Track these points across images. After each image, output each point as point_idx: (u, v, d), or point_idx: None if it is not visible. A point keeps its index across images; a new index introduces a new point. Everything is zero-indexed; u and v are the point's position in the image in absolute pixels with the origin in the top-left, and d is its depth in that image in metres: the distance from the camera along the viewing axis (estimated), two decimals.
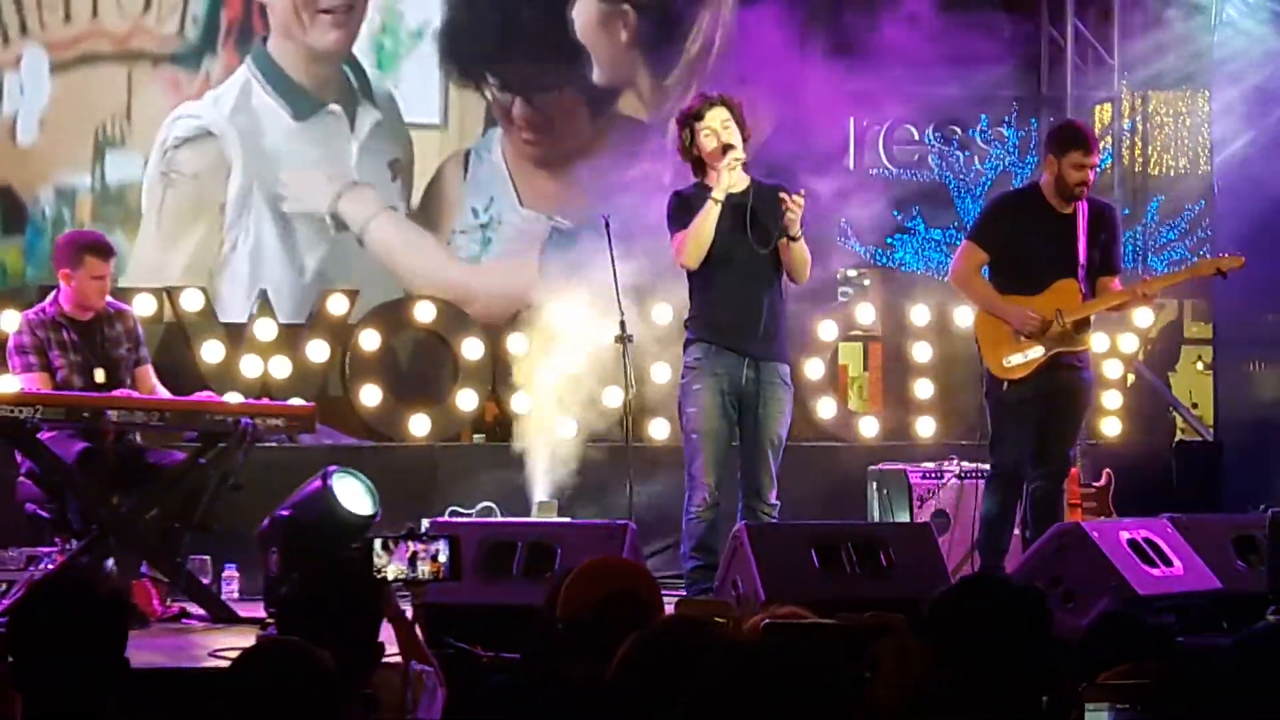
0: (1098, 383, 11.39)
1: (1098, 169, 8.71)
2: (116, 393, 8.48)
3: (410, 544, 5.38)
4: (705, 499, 7.94)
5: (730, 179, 7.97)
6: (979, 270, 8.81)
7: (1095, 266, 8.60)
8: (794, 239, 7.99)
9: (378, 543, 5.35)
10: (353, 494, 8.69)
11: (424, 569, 5.37)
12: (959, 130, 14.76)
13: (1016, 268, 8.67)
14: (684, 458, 8.09)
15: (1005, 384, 8.60)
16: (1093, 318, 8.84)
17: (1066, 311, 8.50)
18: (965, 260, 8.81)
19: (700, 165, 8.17)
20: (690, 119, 8.15)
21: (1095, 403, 11.29)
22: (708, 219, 7.95)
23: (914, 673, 3.93)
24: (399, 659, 5.22)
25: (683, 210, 8.06)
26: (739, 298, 8.05)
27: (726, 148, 8.02)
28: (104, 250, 8.70)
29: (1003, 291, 8.69)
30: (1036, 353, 8.53)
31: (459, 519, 9.41)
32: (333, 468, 8.76)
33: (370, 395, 10.57)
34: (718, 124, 8.08)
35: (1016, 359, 8.56)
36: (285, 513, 8.56)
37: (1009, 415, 8.62)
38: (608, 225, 8.96)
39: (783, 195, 7.95)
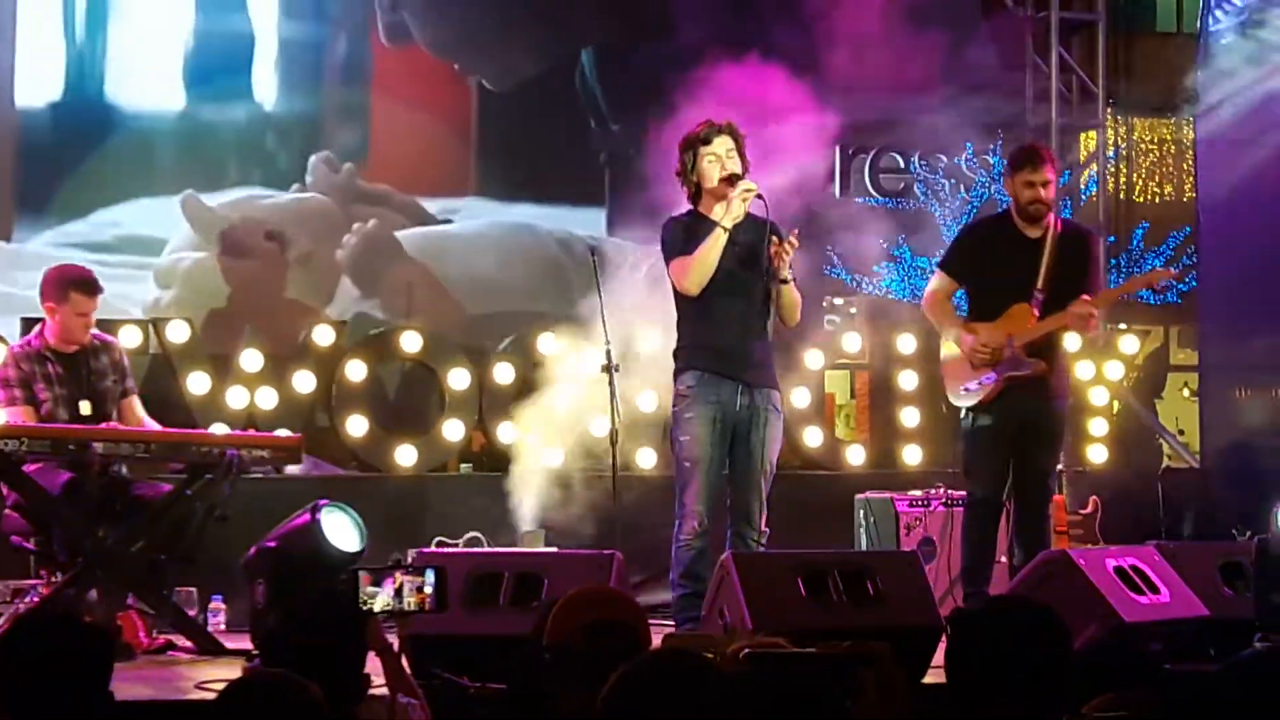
0: (1083, 410, 11.41)
1: (1054, 184, 8.67)
2: (102, 425, 8.47)
3: (396, 575, 5.38)
4: (695, 527, 7.91)
5: (740, 210, 7.94)
6: (949, 298, 8.88)
7: (1064, 292, 8.57)
8: (783, 282, 7.97)
9: (364, 574, 5.35)
10: (340, 529, 8.65)
11: (410, 600, 5.37)
12: (944, 158, 14.78)
13: (982, 294, 8.75)
14: (675, 486, 8.05)
15: (965, 412, 8.64)
16: (1063, 345, 8.80)
17: (1017, 336, 8.52)
18: (935, 288, 8.88)
19: (698, 192, 8.13)
20: (696, 143, 8.06)
21: (1080, 430, 11.29)
22: (715, 246, 7.90)
23: (897, 701, 3.93)
24: (385, 691, 5.21)
25: (684, 237, 8.01)
26: (735, 325, 8.00)
27: (733, 177, 7.98)
28: (90, 287, 8.68)
29: (972, 318, 8.74)
30: (988, 379, 8.55)
31: (446, 549, 9.39)
32: (323, 501, 8.72)
33: (357, 425, 10.55)
34: (723, 152, 8.02)
35: (969, 387, 8.59)
36: (271, 544, 8.54)
37: (976, 444, 8.64)
38: (594, 254, 8.96)
39: (774, 238, 7.94)
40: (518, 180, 12.82)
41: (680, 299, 8.10)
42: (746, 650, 3.70)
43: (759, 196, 7.93)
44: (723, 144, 8.03)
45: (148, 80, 12.20)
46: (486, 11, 12.68)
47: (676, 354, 8.17)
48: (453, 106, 12.90)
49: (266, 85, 12.56)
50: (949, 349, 8.82)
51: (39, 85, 12.03)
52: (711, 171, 8.03)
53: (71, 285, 8.64)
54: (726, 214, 7.92)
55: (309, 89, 12.68)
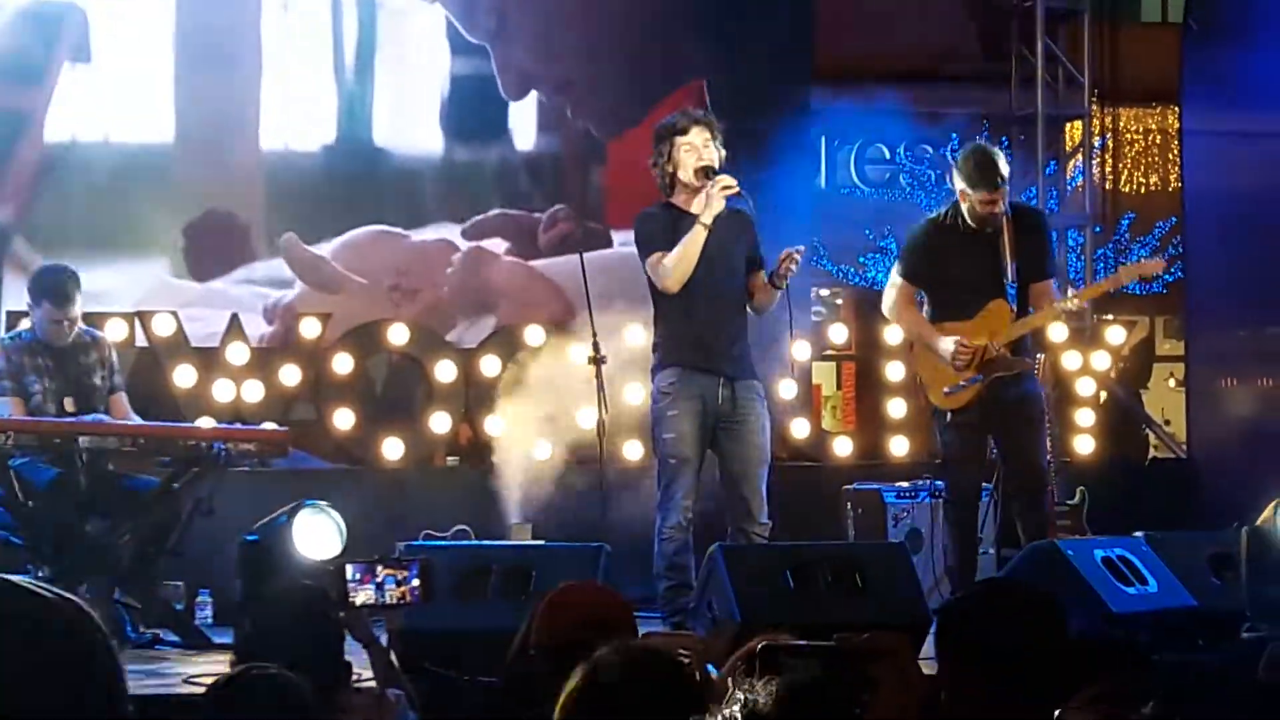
0: (1070, 401, 11.40)
1: (1007, 198, 8.54)
2: (88, 419, 8.44)
3: (381, 569, 5.38)
4: (680, 521, 7.86)
5: (719, 206, 7.83)
6: (910, 302, 8.71)
7: (1028, 277, 8.53)
8: (779, 289, 7.93)
9: (349, 568, 5.34)
10: (315, 533, 8.51)
11: (394, 594, 5.37)
12: (930, 149, 14.79)
13: (946, 295, 8.61)
14: (658, 481, 8.02)
15: (949, 413, 8.58)
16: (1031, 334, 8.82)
17: (998, 336, 8.44)
18: (895, 293, 8.71)
19: (671, 182, 8.05)
20: (672, 133, 7.96)
21: (1067, 421, 11.28)
22: (695, 243, 7.80)
23: (916, 694, 3.87)
24: (372, 684, 5.20)
25: (659, 232, 7.95)
26: (714, 319, 7.96)
27: (708, 170, 7.91)
28: (61, 297, 8.53)
29: (938, 320, 8.63)
30: (974, 381, 8.47)
31: (433, 542, 9.38)
32: (307, 502, 8.62)
33: (343, 419, 10.53)
34: (699, 142, 7.91)
35: (955, 390, 8.51)
36: (252, 538, 8.50)
37: (957, 442, 8.59)
38: (579, 248, 8.95)
39: (791, 253, 7.81)
40: None
41: (658, 294, 8.04)
42: (763, 643, 3.64)
43: (738, 191, 7.86)
44: (699, 134, 7.93)
45: (409, 123, 12.42)
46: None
47: (655, 349, 8.12)
48: None
49: (523, 128, 12.70)
50: (921, 350, 8.74)
51: (310, 128, 12.26)
52: (688, 161, 7.93)
53: (43, 293, 8.58)
54: (706, 210, 7.82)
55: (559, 131, 12.75)
